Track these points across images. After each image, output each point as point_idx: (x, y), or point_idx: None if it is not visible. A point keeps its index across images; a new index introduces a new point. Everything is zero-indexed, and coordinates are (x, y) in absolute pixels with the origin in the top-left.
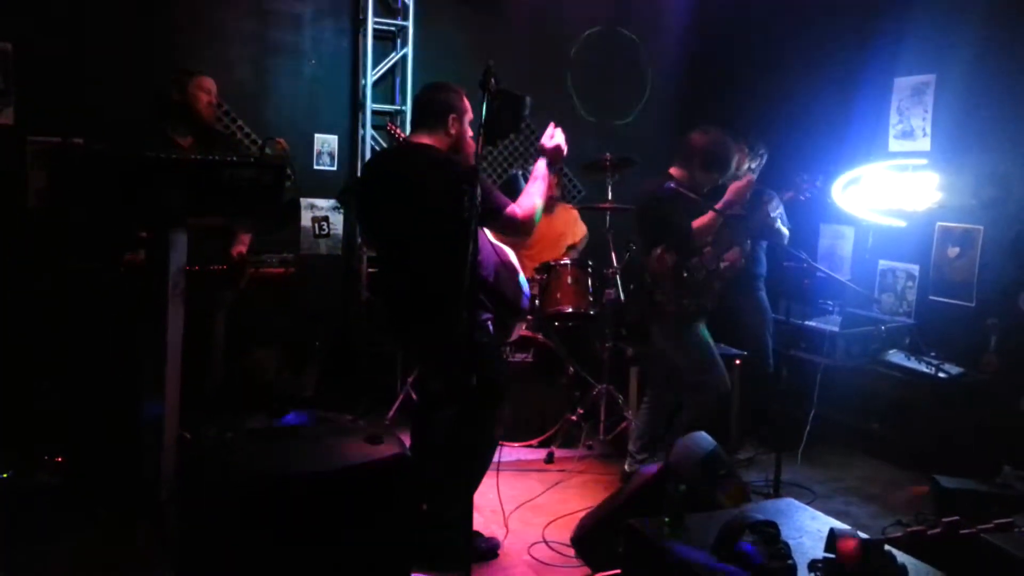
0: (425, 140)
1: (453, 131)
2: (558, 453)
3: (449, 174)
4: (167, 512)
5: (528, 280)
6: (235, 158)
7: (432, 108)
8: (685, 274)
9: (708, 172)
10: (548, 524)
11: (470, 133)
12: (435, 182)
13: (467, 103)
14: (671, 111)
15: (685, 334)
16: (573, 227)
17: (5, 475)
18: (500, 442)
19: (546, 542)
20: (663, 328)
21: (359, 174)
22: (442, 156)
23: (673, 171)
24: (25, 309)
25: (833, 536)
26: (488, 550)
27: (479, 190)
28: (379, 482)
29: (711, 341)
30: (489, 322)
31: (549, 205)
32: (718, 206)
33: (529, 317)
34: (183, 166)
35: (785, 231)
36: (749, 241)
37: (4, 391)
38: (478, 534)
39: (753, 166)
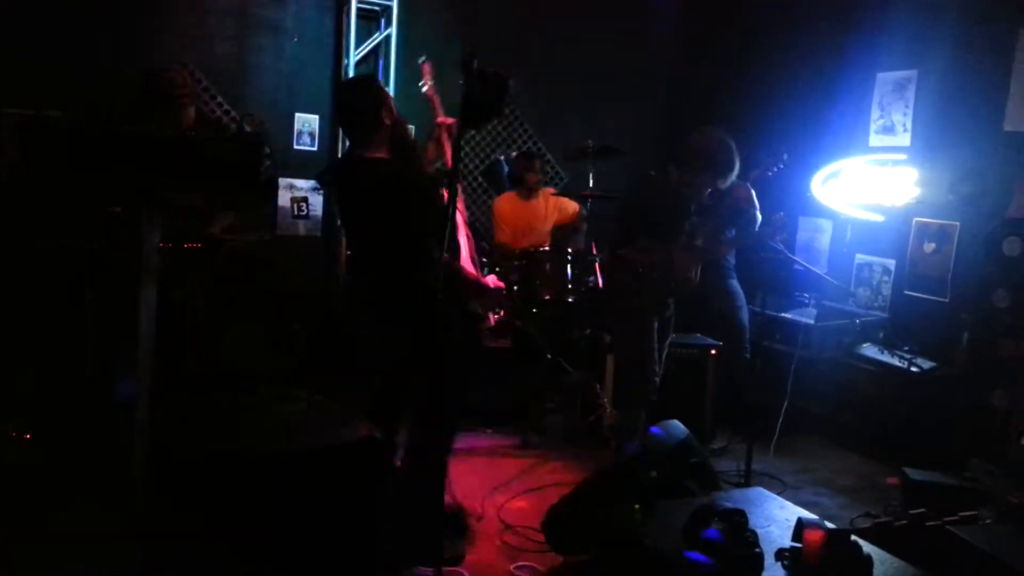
0: (369, 153)
1: (388, 122)
2: (533, 439)
3: (400, 191)
4: (139, 491)
5: (511, 266)
6: (212, 134)
7: (360, 113)
8: (640, 270)
9: (698, 173)
10: (519, 510)
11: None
12: (386, 201)
13: (383, 88)
14: (655, 103)
15: (628, 328)
16: (561, 208)
17: None
18: (474, 427)
19: (517, 528)
20: (614, 319)
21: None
22: (388, 170)
23: (673, 168)
24: None
25: (800, 525)
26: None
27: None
28: (349, 463)
29: (654, 343)
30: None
31: (534, 192)
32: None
33: (505, 305)
34: (159, 142)
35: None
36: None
37: None
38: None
39: None
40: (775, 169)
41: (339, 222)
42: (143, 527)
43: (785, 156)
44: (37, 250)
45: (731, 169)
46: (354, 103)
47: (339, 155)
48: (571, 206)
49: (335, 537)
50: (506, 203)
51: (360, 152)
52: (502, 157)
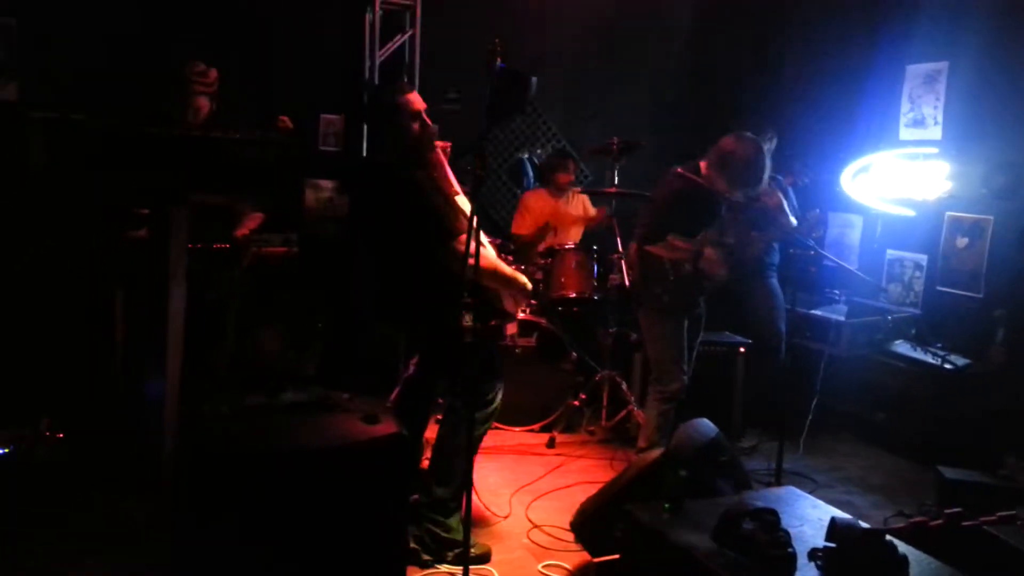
0: (384, 157)
1: (406, 127)
2: (559, 438)
3: (413, 197)
4: (168, 490)
5: (535, 265)
6: (238, 135)
7: (379, 117)
8: (668, 267)
9: (722, 177)
10: (547, 509)
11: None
12: (402, 206)
13: (411, 93)
14: (679, 98)
15: (657, 326)
16: (588, 208)
17: (7, 450)
18: (501, 425)
19: (545, 527)
20: (643, 316)
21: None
22: (404, 177)
23: (702, 164)
24: (28, 285)
25: (834, 525)
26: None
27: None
28: (374, 461)
29: (683, 341)
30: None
31: (564, 191)
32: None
33: (532, 302)
34: (186, 143)
35: (792, 220)
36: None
37: (3, 366)
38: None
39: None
40: (804, 180)
41: (357, 224)
42: (173, 526)
43: (810, 173)
44: (66, 250)
45: (761, 180)
46: (371, 104)
47: (363, 155)
48: (592, 208)
49: (362, 534)
50: (535, 198)
51: (377, 156)
52: (527, 156)
